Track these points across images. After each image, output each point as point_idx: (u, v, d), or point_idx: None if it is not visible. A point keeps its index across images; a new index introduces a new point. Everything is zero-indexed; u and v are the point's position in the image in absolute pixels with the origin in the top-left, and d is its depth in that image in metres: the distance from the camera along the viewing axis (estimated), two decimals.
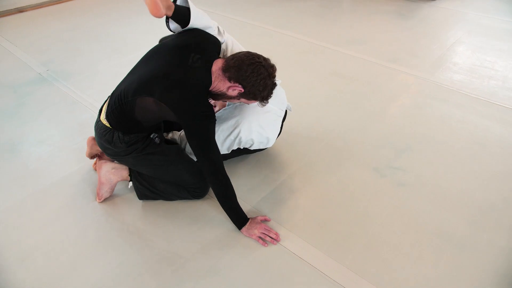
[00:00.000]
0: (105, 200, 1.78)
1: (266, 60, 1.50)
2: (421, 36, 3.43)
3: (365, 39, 3.37)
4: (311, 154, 2.05)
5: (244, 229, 1.60)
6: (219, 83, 1.49)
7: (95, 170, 1.89)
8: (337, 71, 2.86)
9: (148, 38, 3.39)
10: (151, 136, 1.64)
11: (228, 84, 1.48)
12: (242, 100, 1.55)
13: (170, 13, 1.49)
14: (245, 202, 1.77)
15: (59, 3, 4.38)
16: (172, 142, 1.81)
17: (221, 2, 4.28)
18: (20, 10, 4.16)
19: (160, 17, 1.43)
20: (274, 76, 1.51)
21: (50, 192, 1.86)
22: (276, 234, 1.59)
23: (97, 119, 1.65)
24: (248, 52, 1.51)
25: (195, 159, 1.75)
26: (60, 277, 1.48)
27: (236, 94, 1.51)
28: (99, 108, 1.68)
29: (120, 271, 1.49)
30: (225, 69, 1.47)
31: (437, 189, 1.83)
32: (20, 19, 3.95)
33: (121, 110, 1.53)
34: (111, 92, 1.65)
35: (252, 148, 1.83)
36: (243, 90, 1.48)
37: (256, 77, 1.44)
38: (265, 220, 1.66)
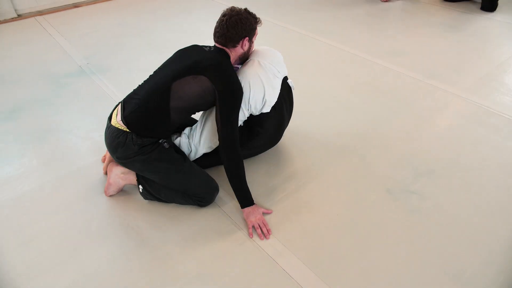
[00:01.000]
0: (113, 195, 1.84)
1: (228, 9, 1.69)
2: (469, 50, 3.19)
3: (406, 51, 3.20)
4: (324, 166, 1.98)
5: (246, 210, 1.68)
6: (233, 53, 1.73)
7: (105, 174, 1.97)
8: (370, 82, 2.74)
9: (191, 39, 3.47)
10: (160, 141, 1.67)
11: (239, 48, 1.72)
12: (254, 42, 1.80)
13: None
14: None
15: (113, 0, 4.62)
16: (181, 151, 1.83)
17: (264, 5, 4.28)
18: (76, 5, 4.44)
19: None
20: (240, 9, 1.70)
21: (66, 180, 1.96)
22: (269, 231, 1.65)
23: (107, 125, 1.69)
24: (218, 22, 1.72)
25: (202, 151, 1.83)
26: (58, 263, 1.55)
27: (249, 45, 1.76)
28: (109, 116, 1.73)
29: (114, 265, 1.53)
30: (224, 44, 1.70)
31: (454, 221, 1.68)
32: (75, 14, 4.22)
33: (148, 105, 1.60)
34: (128, 95, 1.72)
35: (254, 113, 1.83)
36: (247, 37, 1.71)
37: (240, 24, 1.66)
38: (266, 213, 1.74)
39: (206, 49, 1.72)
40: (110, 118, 1.70)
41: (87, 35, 3.66)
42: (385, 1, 4.36)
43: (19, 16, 4.27)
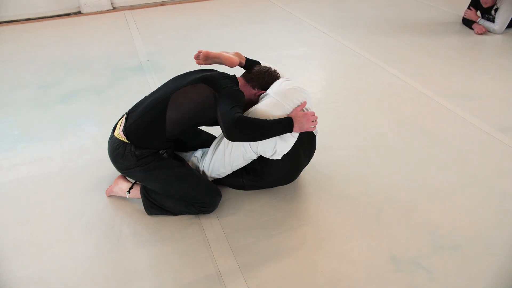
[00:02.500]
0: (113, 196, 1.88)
1: (271, 67, 1.85)
2: None
3: (480, 94, 2.76)
4: (329, 211, 1.78)
5: (296, 128, 1.62)
6: (245, 91, 1.76)
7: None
8: (425, 126, 2.41)
9: (253, 50, 3.45)
10: (160, 151, 1.66)
11: (253, 91, 1.79)
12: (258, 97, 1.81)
13: (243, 61, 1.87)
14: (230, 240, 1.64)
15: (198, 1, 4.82)
16: (180, 158, 1.80)
17: (337, 24, 4.07)
18: (162, 4, 4.73)
19: (235, 65, 1.83)
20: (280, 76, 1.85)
21: (84, 170, 2.06)
22: (313, 113, 1.68)
23: (110, 135, 1.73)
24: (259, 66, 1.86)
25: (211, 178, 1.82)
26: (40, 248, 1.62)
27: (258, 97, 1.80)
28: (113, 126, 1.76)
29: (85, 263, 1.56)
30: (248, 80, 1.79)
31: None
32: (157, 12, 4.49)
33: (147, 118, 1.63)
34: (133, 106, 1.76)
35: (256, 154, 1.73)
36: (265, 91, 1.77)
37: (273, 80, 1.80)
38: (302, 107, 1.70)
39: (214, 71, 1.76)
40: (114, 128, 1.74)
41: (159, 33, 3.86)
42: (479, 34, 3.83)
43: (114, 9, 4.69)
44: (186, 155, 1.85)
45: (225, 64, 1.83)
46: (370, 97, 2.74)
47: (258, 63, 1.89)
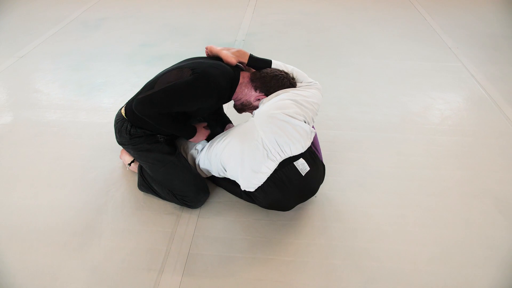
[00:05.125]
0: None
1: (287, 73, 1.68)
2: None
3: None
4: (313, 264, 1.52)
5: (193, 139, 1.70)
6: (245, 89, 1.65)
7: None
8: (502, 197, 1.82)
9: (357, 51, 3.13)
10: (158, 135, 1.68)
11: (255, 94, 1.64)
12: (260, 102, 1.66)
13: (244, 60, 1.70)
14: (193, 243, 1.57)
15: None
16: (176, 147, 1.75)
17: (471, 40, 3.31)
18: None
19: (232, 65, 1.67)
20: (295, 85, 1.67)
21: (104, 152, 2.06)
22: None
23: (118, 111, 1.77)
24: (273, 68, 1.69)
25: (207, 174, 1.77)
26: (44, 185, 1.84)
27: (257, 104, 1.66)
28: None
29: (72, 213, 1.70)
30: (253, 79, 1.64)
31: None
32: None
33: (138, 96, 1.64)
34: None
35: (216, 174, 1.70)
36: (266, 96, 1.63)
37: (278, 87, 1.62)
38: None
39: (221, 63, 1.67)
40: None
41: (270, 15, 3.79)
42: None
43: None
44: (189, 145, 1.81)
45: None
46: (485, 156, 2.18)
47: (265, 62, 1.70)
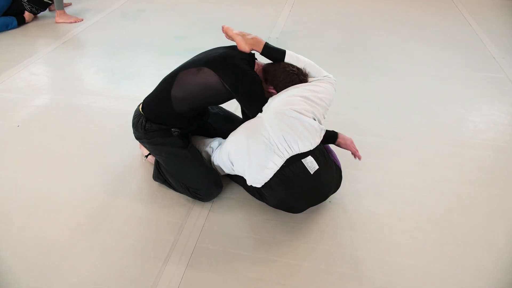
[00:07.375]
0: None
1: (299, 69, 1.63)
2: None
3: None
4: (319, 269, 1.49)
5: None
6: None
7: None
8: None
9: (391, 58, 3.03)
10: (172, 129, 1.68)
11: (265, 86, 1.65)
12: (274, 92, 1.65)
13: (258, 50, 1.68)
14: (201, 237, 1.57)
15: None
16: (189, 141, 1.76)
17: None
18: None
19: (246, 52, 1.67)
20: (307, 81, 1.64)
21: (126, 140, 2.09)
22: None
23: (136, 107, 1.80)
24: (286, 62, 1.65)
25: (222, 172, 1.75)
26: (64, 164, 1.92)
27: (268, 93, 1.65)
28: None
29: (86, 195, 1.77)
30: (265, 71, 1.65)
31: None
32: None
33: (155, 92, 1.71)
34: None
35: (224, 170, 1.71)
36: (275, 90, 1.63)
37: (287, 83, 1.60)
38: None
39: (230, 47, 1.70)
40: None
41: (307, 14, 3.73)
42: None
43: None
44: (205, 142, 1.81)
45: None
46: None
47: (280, 52, 1.67)
